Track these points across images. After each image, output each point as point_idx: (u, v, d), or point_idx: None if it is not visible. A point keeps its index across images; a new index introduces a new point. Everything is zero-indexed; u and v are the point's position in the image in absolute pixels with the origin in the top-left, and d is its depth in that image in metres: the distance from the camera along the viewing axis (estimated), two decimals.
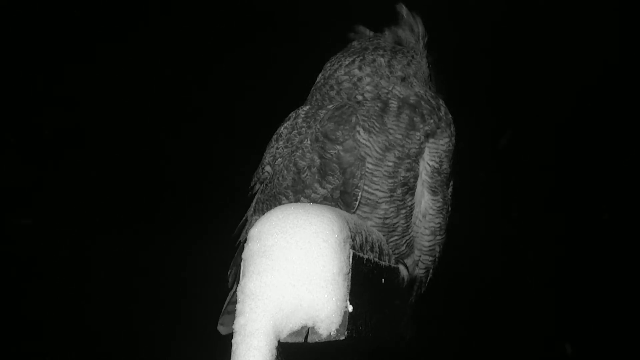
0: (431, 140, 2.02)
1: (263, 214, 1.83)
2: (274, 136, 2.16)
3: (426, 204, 2.05)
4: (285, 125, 2.14)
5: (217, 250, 2.51)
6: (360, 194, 1.98)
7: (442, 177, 2.05)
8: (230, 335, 1.59)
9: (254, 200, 2.23)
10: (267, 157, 2.16)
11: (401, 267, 2.06)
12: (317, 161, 2.01)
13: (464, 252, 2.95)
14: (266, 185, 2.16)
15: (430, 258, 2.13)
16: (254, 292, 1.57)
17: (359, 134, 1.97)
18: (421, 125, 1.99)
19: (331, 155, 1.99)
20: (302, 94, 2.21)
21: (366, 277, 1.72)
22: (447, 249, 2.17)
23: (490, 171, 3.76)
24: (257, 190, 2.22)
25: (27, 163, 3.93)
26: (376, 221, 1.99)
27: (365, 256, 1.74)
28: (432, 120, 2.01)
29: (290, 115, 2.15)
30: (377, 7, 2.22)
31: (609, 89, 3.87)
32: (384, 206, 1.99)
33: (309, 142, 2.03)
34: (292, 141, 2.07)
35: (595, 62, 3.81)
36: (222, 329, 2.27)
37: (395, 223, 2.01)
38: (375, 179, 1.98)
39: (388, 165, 1.97)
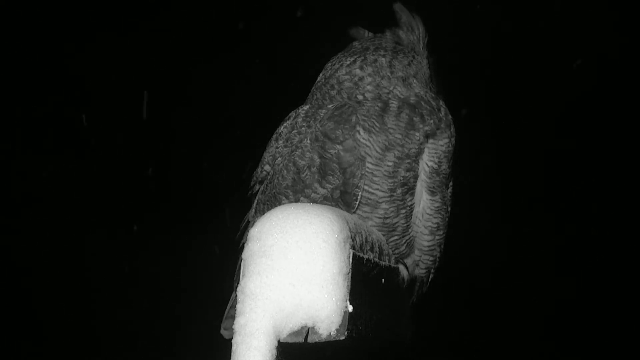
0: (431, 140, 2.02)
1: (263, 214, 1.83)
2: (274, 136, 2.16)
3: (424, 203, 2.05)
4: (285, 124, 2.13)
5: (219, 252, 2.51)
6: (360, 193, 1.98)
7: (440, 177, 2.05)
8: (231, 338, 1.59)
9: (255, 201, 2.23)
10: (267, 157, 2.16)
11: (401, 267, 2.06)
12: (317, 161, 2.01)
13: (464, 251, 2.95)
14: (266, 185, 2.15)
15: (431, 258, 2.13)
16: (254, 292, 1.56)
17: (359, 133, 1.97)
18: (421, 126, 1.99)
19: (331, 154, 1.99)
20: (302, 94, 2.21)
21: (366, 277, 1.72)
22: (447, 248, 2.17)
23: (490, 172, 3.76)
24: (257, 191, 2.22)
25: (25, 164, 3.93)
26: (376, 221, 2.00)
27: (365, 256, 1.74)
28: (431, 121, 2.01)
29: (290, 114, 2.15)
30: (379, 7, 2.22)
31: (609, 89, 3.87)
32: (384, 206, 1.99)
33: (308, 141, 2.03)
34: (291, 140, 2.07)
35: (596, 62, 3.81)
36: (225, 334, 2.25)
37: (395, 223, 2.02)
38: (375, 178, 1.98)
39: (388, 165, 1.97)
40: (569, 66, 3.81)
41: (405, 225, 2.03)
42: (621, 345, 3.87)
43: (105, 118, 3.96)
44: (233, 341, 1.56)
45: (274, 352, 1.54)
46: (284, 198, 2.05)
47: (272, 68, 3.90)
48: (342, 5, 3.59)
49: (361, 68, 2.05)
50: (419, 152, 2.00)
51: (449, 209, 2.13)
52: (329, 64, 2.14)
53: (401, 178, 1.98)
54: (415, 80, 2.06)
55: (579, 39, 3.77)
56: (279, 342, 1.55)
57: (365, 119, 1.98)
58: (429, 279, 2.19)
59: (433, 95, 2.08)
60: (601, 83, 3.84)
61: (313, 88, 2.16)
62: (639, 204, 3.93)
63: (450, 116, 2.08)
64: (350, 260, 1.62)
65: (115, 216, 3.94)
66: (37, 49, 3.89)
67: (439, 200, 2.07)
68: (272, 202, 2.08)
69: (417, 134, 1.99)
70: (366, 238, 1.80)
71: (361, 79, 2.04)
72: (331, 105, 2.04)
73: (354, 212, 1.97)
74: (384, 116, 1.98)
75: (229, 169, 3.79)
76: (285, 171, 2.06)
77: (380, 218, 1.99)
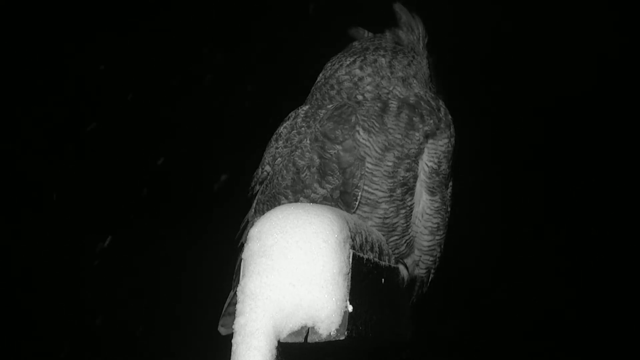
0: (430, 140, 2.02)
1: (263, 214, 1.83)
2: (274, 136, 2.16)
3: (424, 204, 2.05)
4: (284, 125, 2.13)
5: (219, 252, 2.51)
6: (360, 193, 1.97)
7: (440, 177, 2.05)
8: (230, 336, 1.59)
9: (255, 201, 2.23)
10: (267, 157, 2.16)
11: (401, 267, 2.05)
12: (317, 161, 2.00)
13: (464, 251, 2.95)
14: (266, 185, 2.15)
15: (431, 258, 2.12)
16: (254, 292, 1.56)
17: (359, 133, 1.97)
18: (420, 126, 1.99)
19: (331, 155, 1.99)
20: (302, 94, 2.21)
21: (366, 277, 1.72)
22: (447, 248, 2.17)
23: (490, 172, 3.75)
24: (257, 191, 2.22)
25: (25, 163, 3.92)
26: (376, 221, 1.99)
27: (365, 256, 1.74)
28: (431, 121, 2.01)
29: (290, 114, 2.15)
30: (379, 7, 2.21)
31: (609, 90, 3.88)
32: (383, 206, 1.99)
33: (308, 141, 2.03)
34: (291, 141, 2.07)
35: (595, 62, 3.81)
36: (222, 330, 2.28)
37: (395, 223, 2.01)
38: (375, 178, 1.98)
39: (387, 165, 1.97)
40: (569, 66, 3.81)
41: (405, 225, 2.03)
42: (621, 345, 3.87)
43: (105, 118, 3.95)
44: (233, 341, 1.56)
45: (274, 352, 1.54)
46: (283, 198, 2.05)
47: (272, 68, 3.89)
48: (342, 5, 3.59)
49: (361, 68, 2.05)
50: (419, 152, 2.00)
51: (449, 209, 2.13)
52: (329, 64, 2.14)
53: (401, 178, 1.98)
54: (415, 81, 2.06)
55: (579, 39, 3.77)
56: (279, 342, 1.55)
57: (365, 119, 1.98)
58: (429, 279, 2.19)
59: (433, 95, 2.08)
60: (601, 83, 3.84)
61: (313, 88, 2.16)
62: (639, 204, 3.93)
63: (450, 116, 2.07)
64: (350, 260, 1.62)
65: (115, 216, 3.93)
66: (37, 49, 3.88)
67: (439, 200, 2.06)
68: (272, 202, 2.08)
69: (416, 134, 1.99)
70: (366, 238, 1.80)
71: (361, 79, 2.04)
72: (331, 106, 2.04)
73: (354, 212, 1.97)
74: (383, 116, 1.98)
75: (229, 169, 3.79)
76: (284, 171, 2.06)
77: (380, 218, 1.99)
